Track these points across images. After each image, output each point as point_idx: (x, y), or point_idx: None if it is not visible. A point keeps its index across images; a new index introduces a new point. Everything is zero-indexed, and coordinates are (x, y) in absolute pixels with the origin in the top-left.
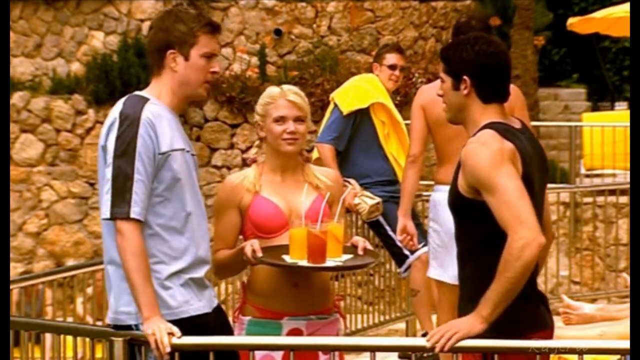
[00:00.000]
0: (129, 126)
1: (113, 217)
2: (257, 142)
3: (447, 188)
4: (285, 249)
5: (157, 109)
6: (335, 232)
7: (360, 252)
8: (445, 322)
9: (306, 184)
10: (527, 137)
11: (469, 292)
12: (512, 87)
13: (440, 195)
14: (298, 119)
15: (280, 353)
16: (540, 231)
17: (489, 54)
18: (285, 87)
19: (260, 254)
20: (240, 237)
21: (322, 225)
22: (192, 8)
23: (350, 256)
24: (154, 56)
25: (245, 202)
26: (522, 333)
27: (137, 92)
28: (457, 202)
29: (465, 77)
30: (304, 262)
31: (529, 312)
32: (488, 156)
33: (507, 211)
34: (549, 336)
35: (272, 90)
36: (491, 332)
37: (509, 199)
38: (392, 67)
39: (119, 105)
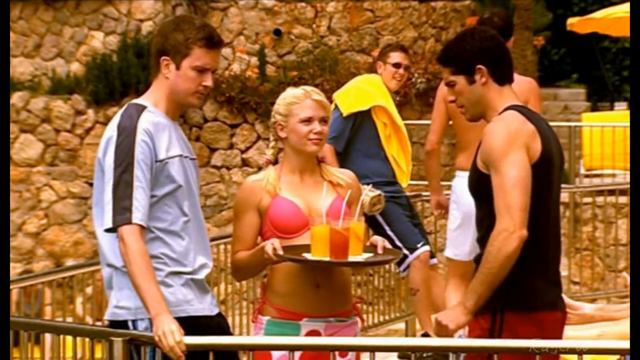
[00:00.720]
0: (127, 136)
1: (115, 226)
2: (272, 144)
3: (465, 174)
4: (306, 248)
5: (153, 117)
6: (357, 230)
7: (380, 251)
8: (455, 297)
9: (325, 183)
10: (546, 124)
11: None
12: (528, 80)
13: (459, 181)
14: (322, 120)
15: (298, 354)
16: (525, 224)
17: (490, 38)
18: (307, 87)
19: (281, 252)
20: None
21: (344, 222)
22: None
23: (370, 254)
24: (152, 59)
25: (264, 203)
26: (537, 309)
27: (135, 100)
28: (476, 179)
29: (479, 66)
30: (326, 259)
31: (543, 290)
32: (503, 137)
33: (501, 197)
34: (561, 319)
35: (294, 90)
36: (506, 303)
37: (506, 187)
38: (397, 66)
39: (117, 117)
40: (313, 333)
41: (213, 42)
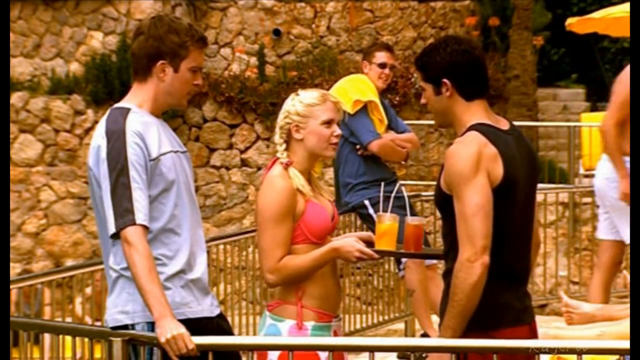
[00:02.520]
0: (117, 140)
1: (119, 230)
2: (284, 146)
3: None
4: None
5: (139, 117)
6: None
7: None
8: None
9: (322, 185)
10: (515, 137)
11: (447, 288)
12: (626, 71)
13: (601, 164)
14: (338, 123)
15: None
16: (487, 251)
17: (462, 52)
18: (319, 90)
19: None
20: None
21: (417, 219)
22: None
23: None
24: (142, 62)
25: (300, 207)
26: (500, 327)
27: (117, 105)
28: (440, 198)
29: (444, 80)
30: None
31: (506, 306)
32: (464, 162)
33: (462, 225)
34: (528, 332)
35: (310, 92)
36: (469, 322)
37: (467, 214)
38: (382, 66)
39: (101, 124)
40: (336, 333)
41: (205, 41)
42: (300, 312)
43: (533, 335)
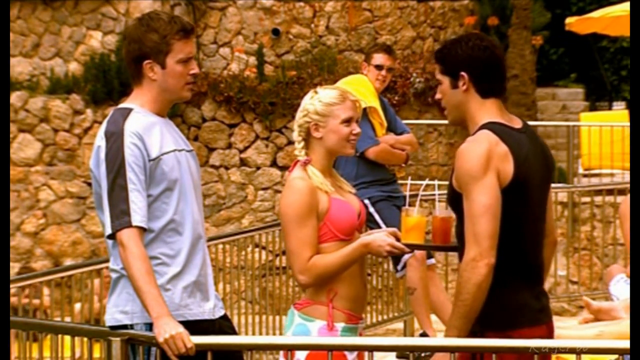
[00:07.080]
0: (115, 141)
1: (115, 231)
2: (302, 144)
3: None
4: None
5: (141, 117)
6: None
7: None
8: None
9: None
10: (528, 136)
11: None
12: None
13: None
14: (357, 120)
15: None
16: (493, 252)
17: (483, 48)
18: (338, 88)
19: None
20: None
21: (445, 212)
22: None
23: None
24: (131, 67)
25: (323, 205)
26: (517, 327)
27: (120, 105)
28: (452, 197)
29: (462, 73)
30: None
31: (523, 306)
32: (473, 161)
33: (469, 225)
34: (546, 333)
35: (329, 91)
36: (485, 322)
37: (474, 214)
38: (379, 67)
39: (103, 125)
40: (360, 334)
41: (188, 30)
42: (332, 313)
43: (550, 335)
